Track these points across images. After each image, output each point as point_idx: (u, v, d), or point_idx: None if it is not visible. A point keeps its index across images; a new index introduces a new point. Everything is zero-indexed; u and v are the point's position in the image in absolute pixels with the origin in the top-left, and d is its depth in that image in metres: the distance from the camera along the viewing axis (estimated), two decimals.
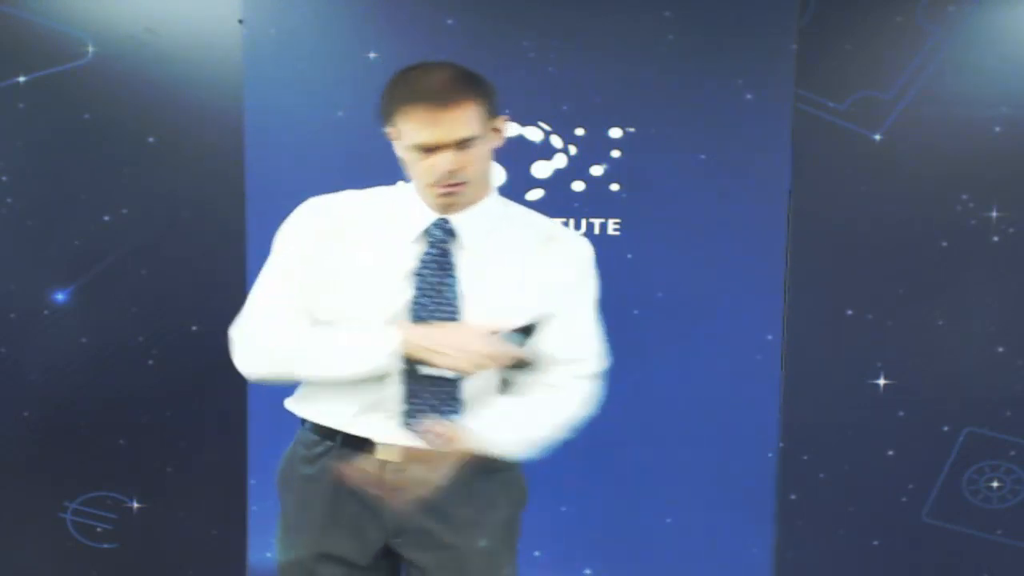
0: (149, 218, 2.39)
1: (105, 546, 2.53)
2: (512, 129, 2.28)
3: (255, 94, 2.26)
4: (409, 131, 1.37)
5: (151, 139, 2.37)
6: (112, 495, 2.51)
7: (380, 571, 1.54)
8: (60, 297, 2.42)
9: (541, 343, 1.45)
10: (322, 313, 1.46)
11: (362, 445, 1.47)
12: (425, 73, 1.38)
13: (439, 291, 1.43)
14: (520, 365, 1.44)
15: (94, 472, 2.49)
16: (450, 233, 1.45)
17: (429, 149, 1.37)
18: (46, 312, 2.42)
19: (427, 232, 1.45)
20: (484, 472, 1.49)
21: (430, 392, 1.44)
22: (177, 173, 2.38)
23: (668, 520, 2.41)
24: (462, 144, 1.36)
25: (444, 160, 1.37)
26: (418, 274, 1.43)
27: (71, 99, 2.34)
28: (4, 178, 2.38)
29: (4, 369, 2.45)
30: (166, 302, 2.41)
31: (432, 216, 1.45)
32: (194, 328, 2.40)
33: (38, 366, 2.44)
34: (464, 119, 1.36)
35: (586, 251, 1.53)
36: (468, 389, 1.45)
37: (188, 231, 2.39)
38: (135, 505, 2.51)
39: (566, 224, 2.31)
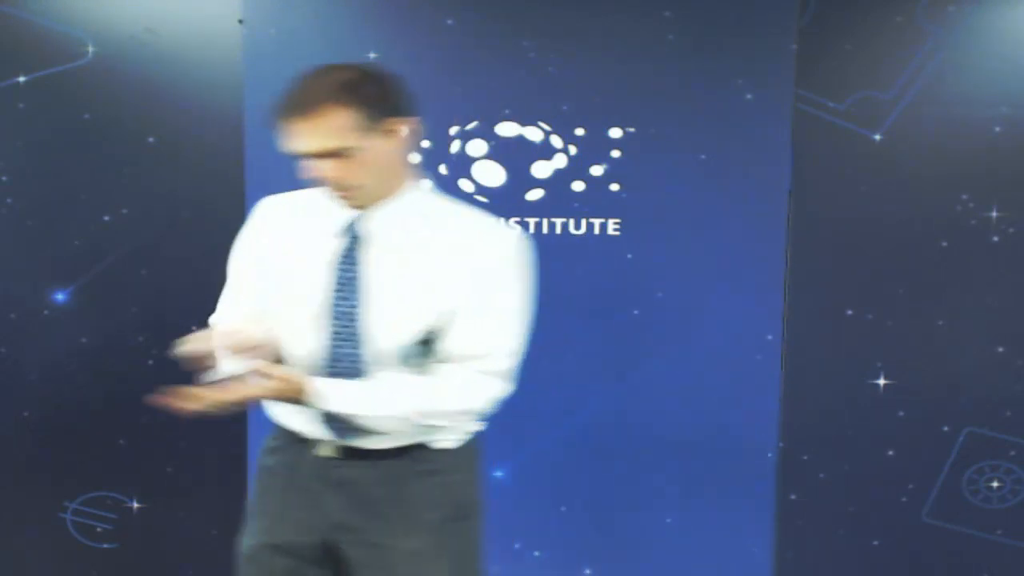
0: (149, 218, 2.39)
1: (105, 546, 2.53)
2: (512, 129, 2.29)
3: (255, 94, 2.26)
4: (286, 140, 1.40)
5: (151, 139, 2.37)
6: (112, 495, 2.51)
7: (327, 567, 1.56)
8: (60, 297, 2.42)
9: (448, 337, 1.47)
10: (267, 306, 1.54)
11: (305, 441, 1.53)
12: (300, 82, 1.41)
13: (348, 286, 1.47)
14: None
15: (94, 472, 2.49)
16: (360, 229, 1.49)
17: (310, 156, 1.40)
18: (46, 312, 2.42)
19: (345, 228, 1.49)
20: (420, 474, 1.52)
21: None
22: (177, 173, 2.38)
23: (668, 520, 2.41)
24: (337, 153, 1.37)
25: (322, 168, 1.40)
26: (336, 269, 1.48)
27: (71, 99, 2.34)
28: (4, 178, 2.38)
29: (4, 369, 2.45)
30: (166, 302, 2.41)
31: (351, 213, 1.49)
32: (194, 328, 2.39)
33: (38, 366, 2.44)
34: (329, 129, 1.36)
35: (510, 246, 1.50)
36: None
37: (188, 231, 2.39)
38: (135, 505, 2.51)
39: (566, 224, 2.31)
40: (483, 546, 1.63)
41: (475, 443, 1.61)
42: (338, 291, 1.47)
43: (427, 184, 1.56)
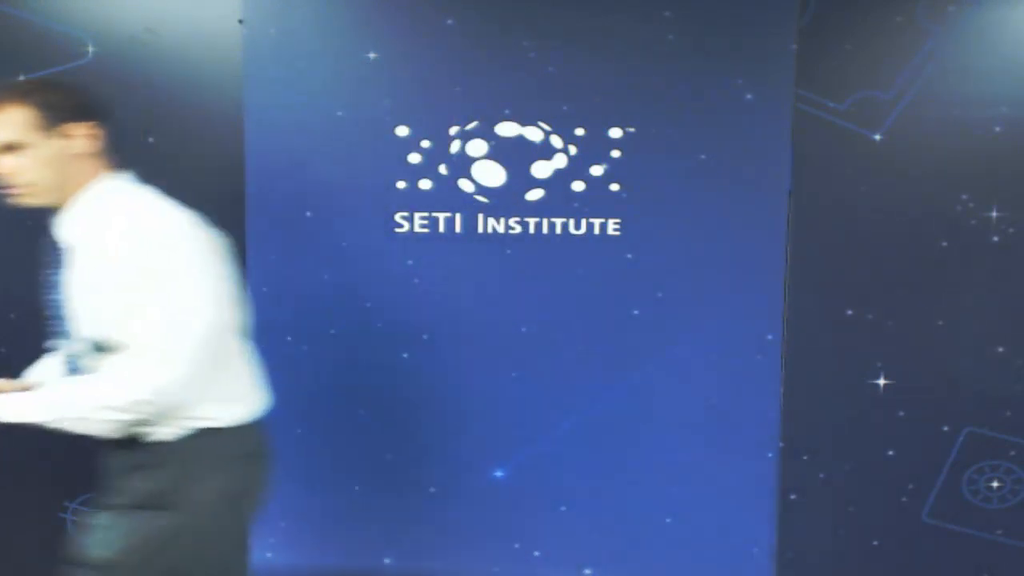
0: None
1: None
2: (512, 129, 2.29)
3: (255, 94, 2.26)
4: None
5: (151, 139, 2.37)
6: None
7: None
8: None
9: (119, 329, 1.55)
10: None
11: None
12: None
13: (56, 287, 1.63)
14: None
15: (94, 472, 2.49)
16: (57, 234, 1.64)
17: None
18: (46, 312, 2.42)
19: (55, 234, 1.65)
20: (137, 463, 1.62)
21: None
22: (177, 173, 2.37)
23: (668, 520, 2.42)
24: (10, 147, 1.54)
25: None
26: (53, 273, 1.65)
27: None
28: None
29: (4, 369, 2.44)
30: None
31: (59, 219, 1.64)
32: None
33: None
34: (2, 125, 1.53)
35: (171, 238, 1.55)
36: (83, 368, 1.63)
37: None
38: None
39: (566, 224, 2.31)
40: (189, 546, 1.61)
41: (205, 439, 1.62)
42: (52, 293, 1.65)
43: (119, 181, 1.65)
